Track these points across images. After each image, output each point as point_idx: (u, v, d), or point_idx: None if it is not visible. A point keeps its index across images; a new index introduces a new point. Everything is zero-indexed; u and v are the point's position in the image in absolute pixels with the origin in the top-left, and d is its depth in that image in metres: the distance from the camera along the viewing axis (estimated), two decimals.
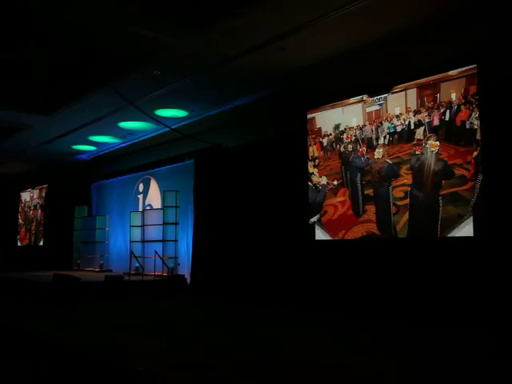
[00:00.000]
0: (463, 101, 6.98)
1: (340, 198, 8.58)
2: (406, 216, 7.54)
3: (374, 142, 8.11)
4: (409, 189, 7.56)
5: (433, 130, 7.31)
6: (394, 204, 7.72)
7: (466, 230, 6.82)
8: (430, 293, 7.03)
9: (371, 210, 8.07)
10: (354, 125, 8.42)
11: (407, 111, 7.66)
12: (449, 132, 7.14)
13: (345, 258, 8.40)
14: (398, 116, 7.79)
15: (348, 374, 4.31)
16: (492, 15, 6.37)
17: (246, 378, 4.22)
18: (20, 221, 20.53)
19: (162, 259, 12.21)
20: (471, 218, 6.76)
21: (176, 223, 12.73)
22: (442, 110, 7.22)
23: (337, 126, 8.72)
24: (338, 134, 8.70)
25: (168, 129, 11.47)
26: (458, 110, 7.02)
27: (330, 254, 8.67)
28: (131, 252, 12.69)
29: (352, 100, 8.48)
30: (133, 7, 6.48)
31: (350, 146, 8.49)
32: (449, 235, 6.99)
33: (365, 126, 8.25)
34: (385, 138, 7.97)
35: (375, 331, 6.49)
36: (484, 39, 6.69)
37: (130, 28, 6.82)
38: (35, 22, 7.02)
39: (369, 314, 7.45)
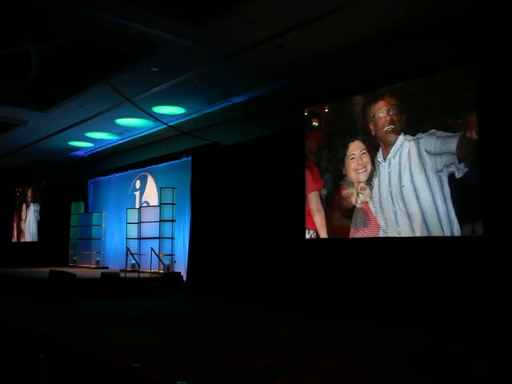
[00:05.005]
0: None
1: None
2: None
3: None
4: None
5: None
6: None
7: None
8: (426, 290, 7.05)
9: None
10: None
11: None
12: None
13: (340, 257, 8.39)
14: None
15: (341, 371, 4.32)
16: (488, 16, 6.39)
17: (242, 373, 4.23)
18: (16, 217, 20.48)
19: (158, 256, 12.20)
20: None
21: (173, 220, 12.71)
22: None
23: None
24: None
25: (165, 126, 11.45)
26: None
27: (325, 252, 8.66)
28: (127, 249, 12.67)
29: None
30: (133, 2, 6.45)
31: None
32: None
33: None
34: None
35: (369, 330, 6.51)
36: (482, 39, 6.70)
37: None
38: (32, 17, 6.96)
39: (365, 313, 7.47)
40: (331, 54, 7.74)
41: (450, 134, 7.00)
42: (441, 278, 6.92)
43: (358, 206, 7.97)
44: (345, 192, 8.19)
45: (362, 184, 7.93)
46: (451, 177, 6.97)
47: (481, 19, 6.50)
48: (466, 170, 6.82)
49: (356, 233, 8.00)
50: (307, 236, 8.81)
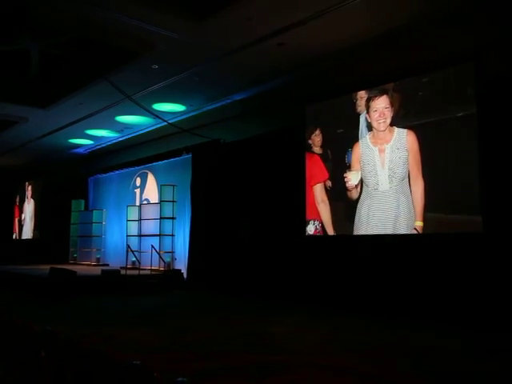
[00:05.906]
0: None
1: None
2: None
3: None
4: None
5: None
6: None
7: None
8: (429, 287, 7.05)
9: None
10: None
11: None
12: None
13: (343, 252, 8.40)
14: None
15: (341, 368, 4.33)
16: (489, 13, 6.39)
17: (242, 370, 4.24)
18: (16, 214, 20.50)
19: (158, 254, 12.21)
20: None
21: (173, 218, 12.73)
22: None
23: None
24: None
25: (166, 123, 11.44)
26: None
27: (328, 248, 8.67)
28: (128, 246, 12.69)
29: None
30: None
31: None
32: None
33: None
34: None
35: (369, 327, 6.52)
36: (482, 36, 6.69)
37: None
38: (32, 15, 6.95)
39: (365, 310, 7.48)
40: (332, 51, 7.72)
41: (449, 129, 7.00)
42: (444, 276, 6.93)
43: (362, 198, 8.01)
44: (349, 183, 8.22)
45: (366, 177, 7.96)
46: (451, 171, 6.97)
47: (481, 18, 6.49)
48: (465, 165, 6.81)
49: (360, 227, 8.01)
50: (311, 227, 8.83)
